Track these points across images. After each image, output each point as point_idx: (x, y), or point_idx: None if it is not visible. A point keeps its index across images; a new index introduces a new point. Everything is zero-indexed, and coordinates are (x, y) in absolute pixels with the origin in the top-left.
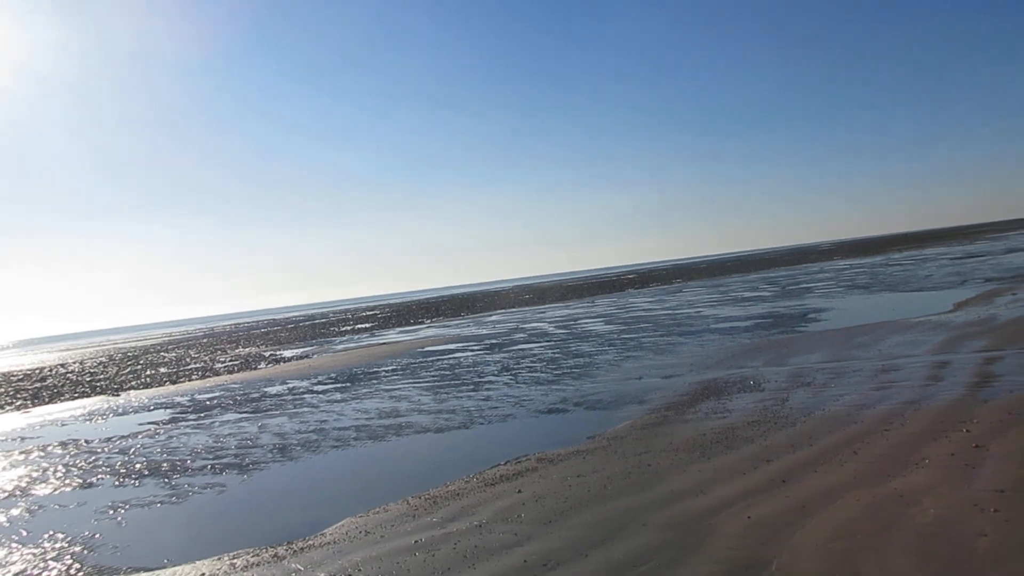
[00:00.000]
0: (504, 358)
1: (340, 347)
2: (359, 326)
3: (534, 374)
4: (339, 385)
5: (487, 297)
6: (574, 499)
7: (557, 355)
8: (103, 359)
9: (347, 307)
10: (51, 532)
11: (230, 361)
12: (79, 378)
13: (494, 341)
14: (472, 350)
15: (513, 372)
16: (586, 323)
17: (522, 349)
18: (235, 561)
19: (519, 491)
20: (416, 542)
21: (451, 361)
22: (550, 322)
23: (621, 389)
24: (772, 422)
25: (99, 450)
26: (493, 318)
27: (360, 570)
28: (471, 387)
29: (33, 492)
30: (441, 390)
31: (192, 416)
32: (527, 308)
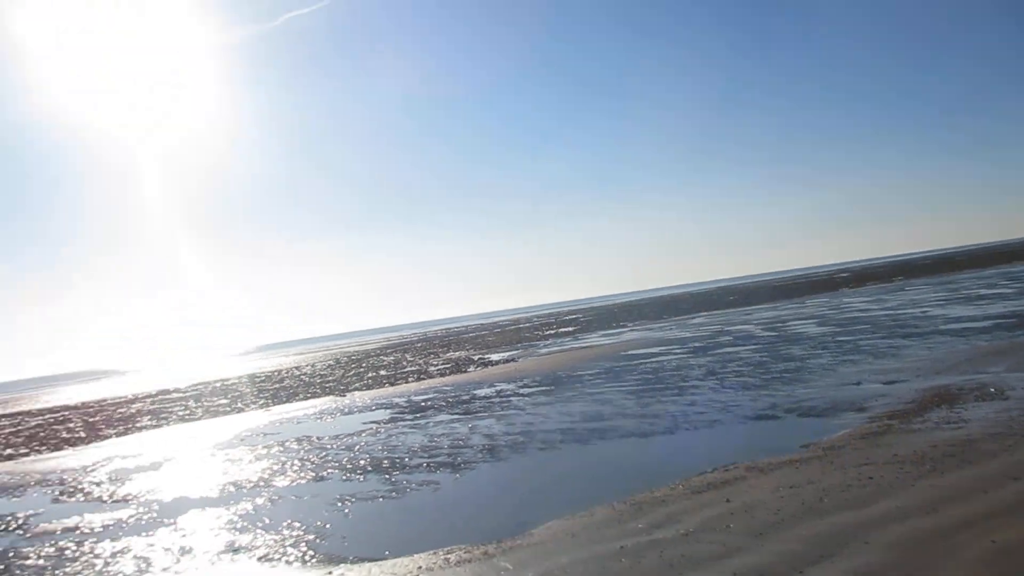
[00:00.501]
0: (709, 362)
1: (544, 351)
2: (562, 330)
3: (741, 378)
4: (544, 388)
5: (689, 299)
6: (787, 511)
7: (765, 359)
8: (331, 362)
9: (550, 311)
10: (289, 521)
11: (442, 364)
12: (311, 380)
13: (698, 344)
14: (675, 353)
15: (719, 376)
16: (796, 325)
17: (728, 352)
18: (449, 556)
19: (727, 500)
20: (622, 548)
21: (654, 364)
22: (757, 324)
23: (837, 395)
24: (1021, 435)
25: (328, 446)
26: (696, 320)
27: (567, 572)
28: (675, 391)
29: (274, 483)
30: (644, 394)
31: (409, 416)
32: (731, 310)
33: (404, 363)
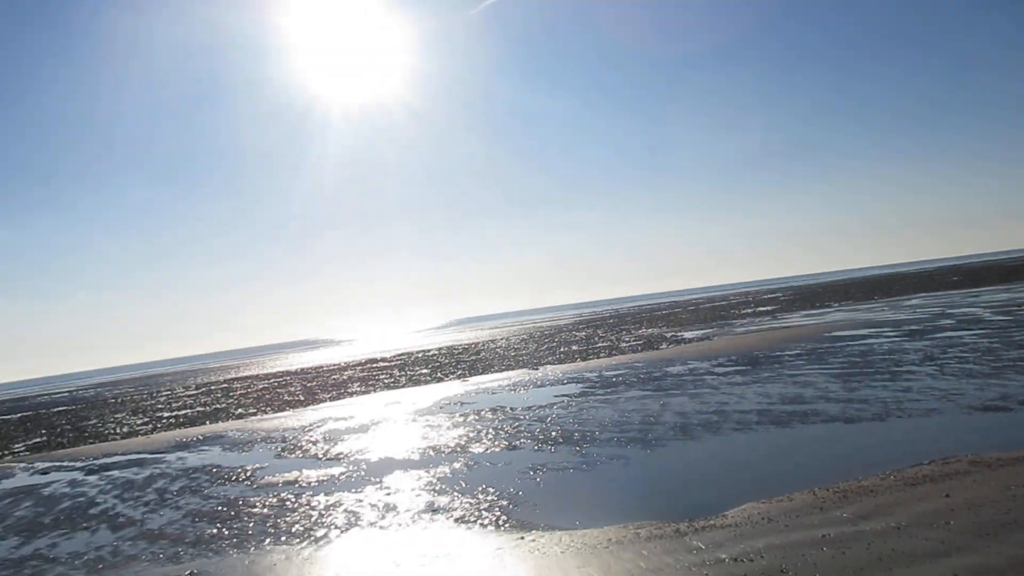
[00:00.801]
0: (927, 346)
1: (740, 329)
2: (760, 309)
3: (965, 365)
4: (740, 368)
5: (903, 279)
6: (1019, 511)
7: (995, 344)
8: (524, 337)
9: (747, 289)
10: (483, 486)
11: (634, 341)
12: (505, 353)
13: (914, 327)
14: (887, 336)
15: (938, 362)
16: None
17: (949, 337)
18: (639, 531)
19: (947, 495)
20: (824, 536)
21: (862, 347)
22: (985, 307)
23: None
24: None
25: (521, 417)
26: (912, 302)
27: (763, 557)
28: (887, 376)
29: (470, 450)
30: (851, 378)
31: (600, 391)
32: (955, 291)
33: (596, 339)
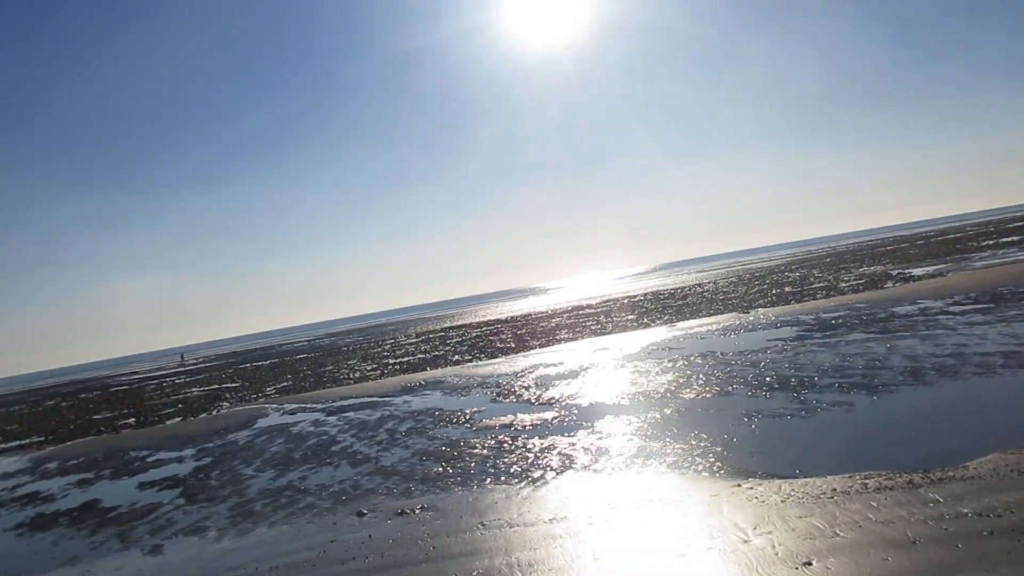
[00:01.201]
0: None
1: (980, 264)
2: (1003, 239)
3: None
4: (980, 306)
5: None
6: None
7: None
8: (732, 279)
9: (989, 219)
10: (696, 432)
11: (854, 280)
12: (713, 296)
13: None
14: None
15: None
16: None
17: None
18: (866, 482)
19: None
20: None
21: None
22: None
23: None
24: None
25: (732, 362)
26: None
27: (1012, 512)
28: None
29: (681, 395)
30: None
31: (817, 334)
32: None
33: (811, 279)
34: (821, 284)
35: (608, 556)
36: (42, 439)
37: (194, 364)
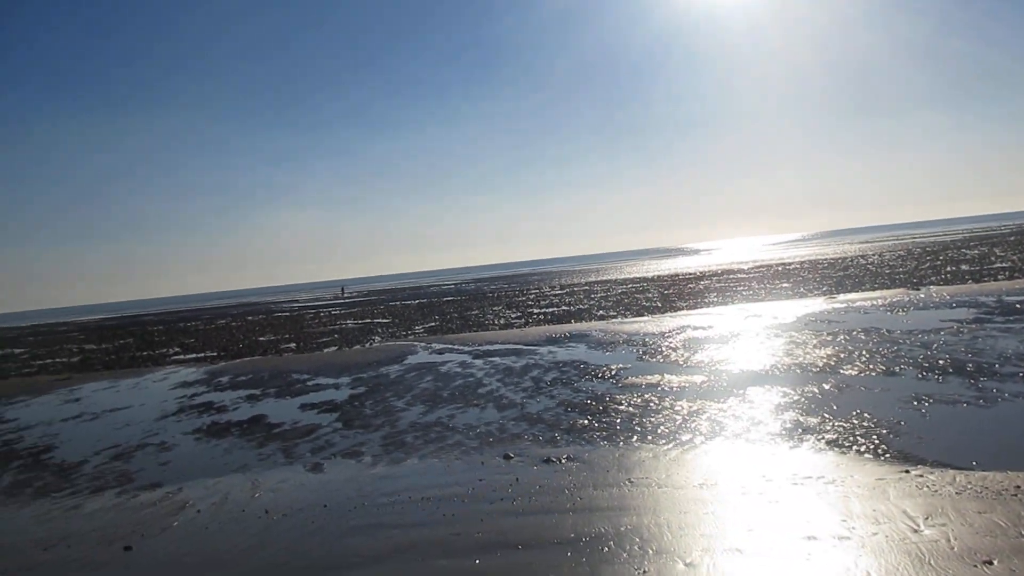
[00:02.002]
0: None
1: None
2: None
3: None
4: None
5: None
6: None
7: None
8: (901, 253)
9: None
10: (857, 410)
11: None
12: (878, 269)
13: None
14: None
15: None
16: None
17: None
18: None
19: None
20: None
21: None
22: None
23: None
24: None
25: (900, 341)
26: None
27: None
28: None
29: (840, 371)
30: None
31: (999, 318)
32: None
33: (992, 258)
34: (1004, 264)
35: (763, 528)
36: (215, 354)
37: (349, 298)
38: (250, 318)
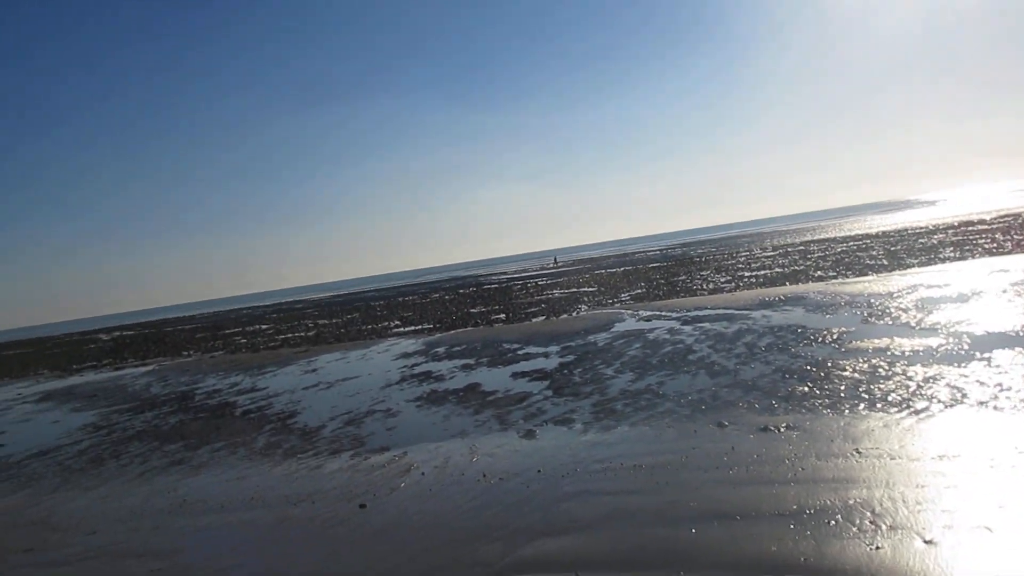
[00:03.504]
0: None
1: None
2: None
3: None
4: None
5: None
6: None
7: None
8: None
9: None
10: None
11: None
12: None
13: None
14: None
15: None
16: None
17: None
18: None
19: None
20: None
21: None
22: None
23: None
24: None
25: None
26: None
27: None
28: None
29: None
30: None
31: None
32: None
33: None
34: None
35: (1018, 506)
36: (431, 326)
37: (557, 268)
38: (461, 291)
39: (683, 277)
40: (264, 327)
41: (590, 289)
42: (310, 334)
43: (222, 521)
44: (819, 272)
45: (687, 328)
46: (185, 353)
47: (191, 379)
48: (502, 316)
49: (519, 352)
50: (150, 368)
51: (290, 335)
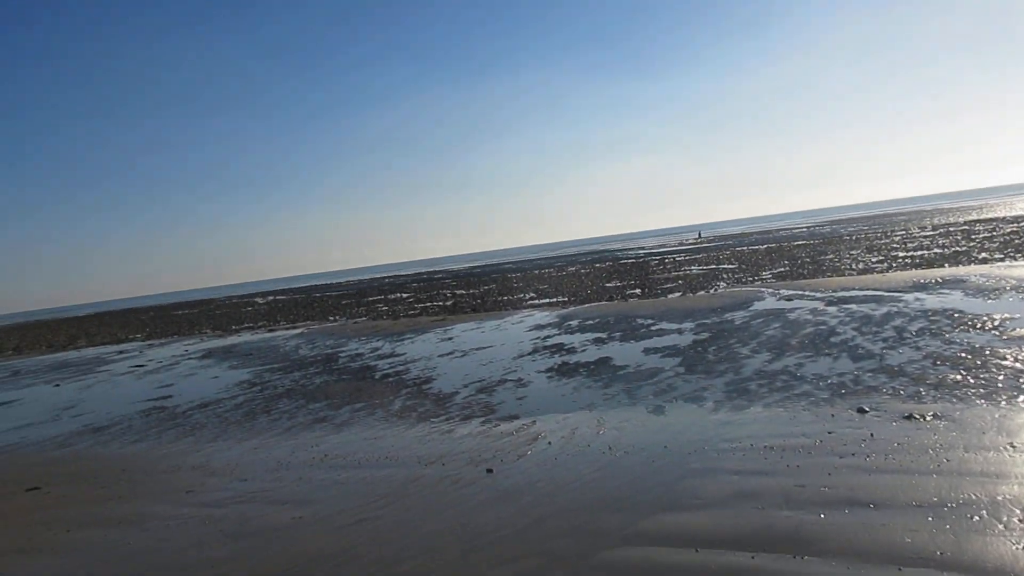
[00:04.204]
0: None
1: None
2: None
3: None
4: None
5: None
6: None
7: None
8: None
9: None
10: None
11: None
12: None
13: None
14: None
15: None
16: None
17: None
18: None
19: None
20: None
21: None
22: None
23: None
24: None
25: None
26: None
27: None
28: None
29: None
30: None
31: None
32: None
33: None
34: None
35: None
36: (565, 299)
37: (699, 243)
38: (598, 265)
39: (830, 256)
40: (404, 295)
41: (730, 266)
42: (447, 304)
43: (359, 476)
44: (983, 254)
45: (831, 309)
46: (331, 318)
47: (336, 342)
48: (637, 291)
49: (652, 327)
50: (299, 331)
51: (428, 304)
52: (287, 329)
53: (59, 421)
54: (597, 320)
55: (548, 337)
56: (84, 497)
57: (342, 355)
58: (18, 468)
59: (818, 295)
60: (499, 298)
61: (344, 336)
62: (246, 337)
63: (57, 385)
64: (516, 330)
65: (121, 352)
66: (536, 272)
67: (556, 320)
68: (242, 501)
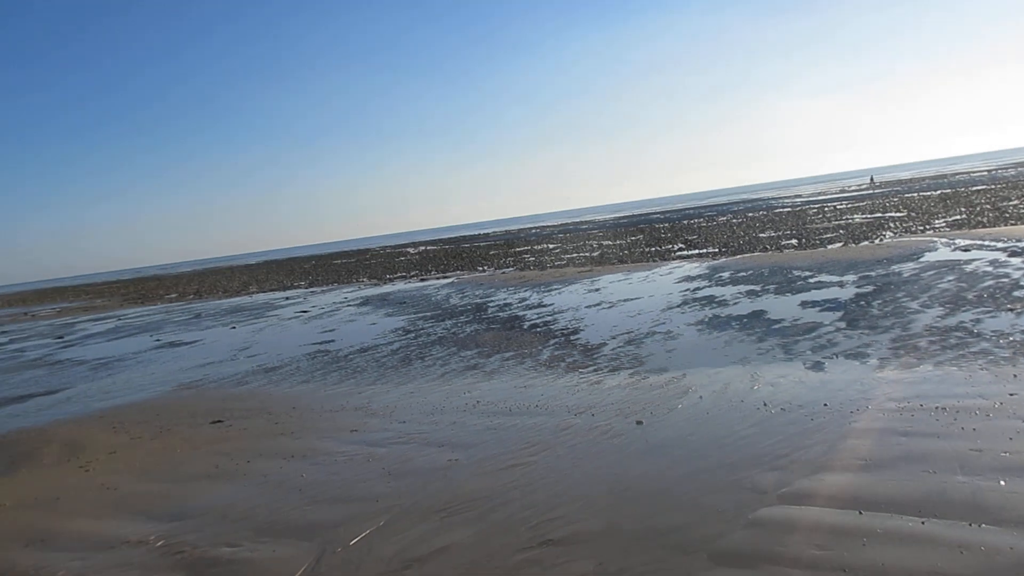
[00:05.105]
0: None
1: None
2: None
3: None
4: None
5: None
6: None
7: None
8: None
9: None
10: None
11: None
12: None
13: None
14: None
15: None
16: None
17: None
18: None
19: None
20: None
21: None
22: None
23: None
24: None
25: None
26: None
27: None
28: None
29: None
30: None
31: None
32: None
33: None
34: None
35: None
36: (716, 250)
37: (863, 189)
38: (751, 214)
39: (1015, 202)
40: (551, 246)
41: (898, 214)
42: (594, 255)
43: (510, 423)
44: None
45: (1015, 260)
46: (480, 268)
47: (484, 292)
48: (794, 241)
49: (810, 280)
50: (450, 280)
51: (575, 255)
52: (438, 279)
53: (236, 361)
54: (750, 272)
55: (698, 289)
56: (260, 431)
57: (491, 305)
58: (205, 402)
59: (1000, 244)
60: (647, 249)
61: (492, 286)
62: (400, 286)
63: (233, 327)
64: (664, 281)
65: (287, 298)
66: (686, 223)
67: (706, 271)
68: (401, 442)
